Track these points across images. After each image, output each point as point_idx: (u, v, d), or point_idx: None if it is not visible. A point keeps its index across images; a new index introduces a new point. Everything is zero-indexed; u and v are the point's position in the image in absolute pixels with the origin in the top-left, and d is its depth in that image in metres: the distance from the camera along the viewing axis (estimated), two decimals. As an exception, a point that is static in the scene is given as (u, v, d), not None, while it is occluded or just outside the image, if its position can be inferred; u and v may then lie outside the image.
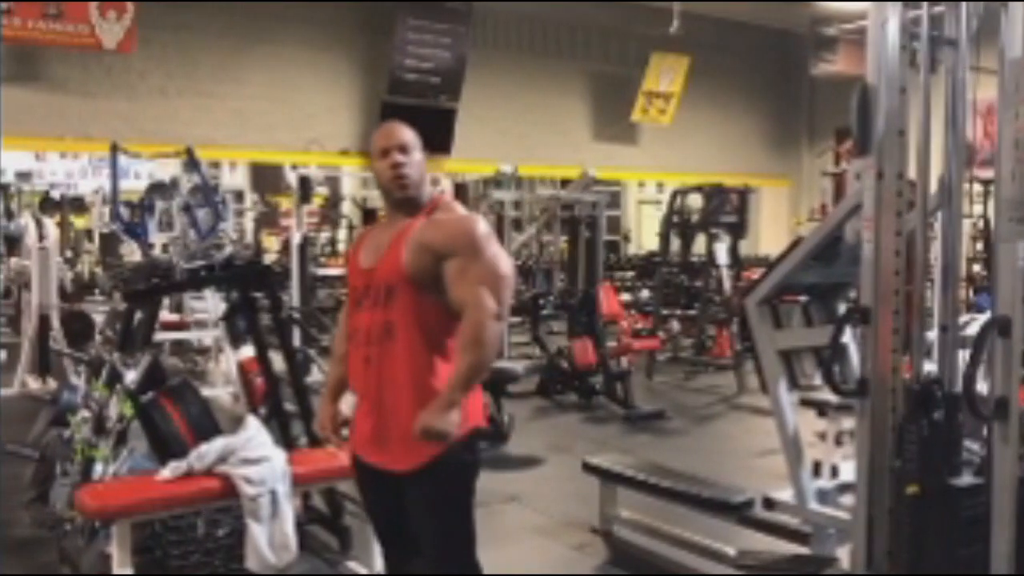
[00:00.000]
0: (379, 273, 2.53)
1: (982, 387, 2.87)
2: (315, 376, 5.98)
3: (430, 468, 2.47)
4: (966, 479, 2.83)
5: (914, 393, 2.87)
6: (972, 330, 3.19)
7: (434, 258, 2.46)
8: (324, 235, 14.64)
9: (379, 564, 2.95)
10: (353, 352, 2.58)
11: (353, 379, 2.60)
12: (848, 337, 3.52)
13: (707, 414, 7.58)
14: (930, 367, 3.06)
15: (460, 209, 2.62)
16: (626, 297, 11.01)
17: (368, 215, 13.64)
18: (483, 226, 2.52)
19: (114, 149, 8.34)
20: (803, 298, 3.76)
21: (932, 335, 3.21)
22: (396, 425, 2.46)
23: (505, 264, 2.48)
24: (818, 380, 3.58)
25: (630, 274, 13.35)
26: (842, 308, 3.71)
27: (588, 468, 4.35)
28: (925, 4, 2.93)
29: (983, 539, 2.77)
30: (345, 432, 2.71)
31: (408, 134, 2.61)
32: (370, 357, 2.51)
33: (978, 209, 10.11)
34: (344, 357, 2.64)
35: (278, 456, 3.37)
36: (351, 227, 13.45)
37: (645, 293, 11.42)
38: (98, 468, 3.63)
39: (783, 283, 3.52)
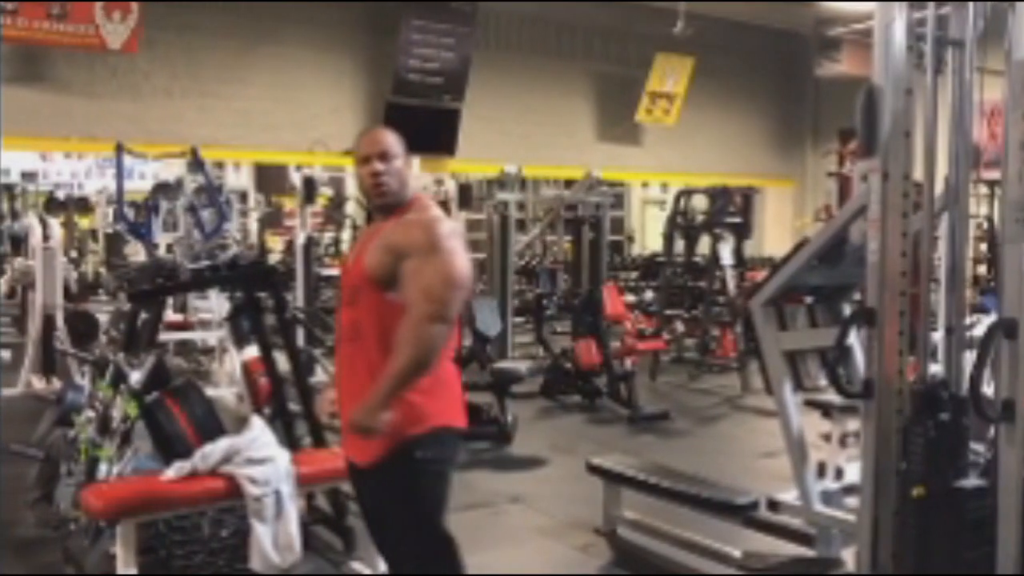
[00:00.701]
0: (352, 273, 2.65)
1: (988, 389, 2.86)
2: (319, 376, 5.98)
3: (382, 463, 2.54)
4: (972, 481, 2.82)
5: (920, 395, 2.86)
6: (978, 332, 3.18)
7: (395, 258, 2.52)
8: (328, 235, 14.64)
9: (383, 565, 2.95)
10: (336, 350, 2.71)
11: (336, 376, 2.73)
12: (853, 338, 3.51)
13: (711, 415, 7.57)
14: (935, 369, 3.05)
15: (434, 210, 2.66)
16: (630, 298, 10.99)
17: (372, 215, 13.63)
18: (446, 227, 2.56)
19: (119, 149, 8.36)
20: (808, 299, 3.75)
21: (937, 336, 3.21)
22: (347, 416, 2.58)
23: (459, 267, 2.50)
24: (823, 382, 3.57)
25: (634, 275, 13.34)
26: (847, 309, 3.71)
27: (592, 469, 4.35)
28: (932, 4, 2.92)
29: (989, 541, 2.76)
30: None
31: (389, 141, 2.67)
32: (344, 355, 2.64)
33: (983, 210, 10.09)
34: None
35: (282, 456, 3.37)
36: (355, 227, 13.45)
37: (649, 294, 11.40)
38: (103, 468, 3.63)
39: (788, 284, 3.51)
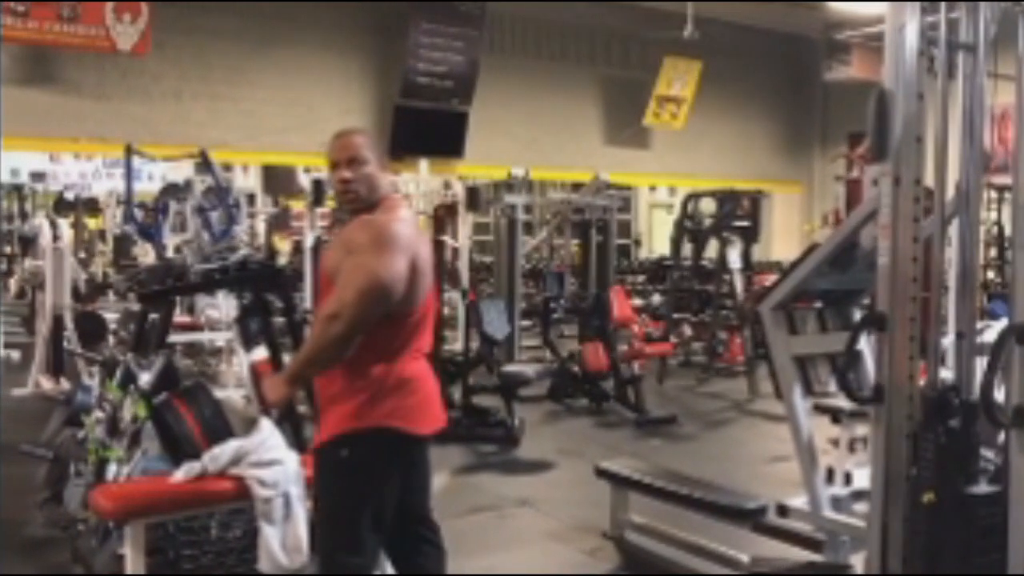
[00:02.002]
0: (320, 271, 2.75)
1: (999, 395, 2.85)
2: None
3: (317, 451, 2.71)
4: (983, 487, 2.80)
5: (930, 400, 2.85)
6: (988, 337, 3.17)
7: (346, 255, 2.57)
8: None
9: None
10: None
11: None
12: (863, 343, 3.50)
13: (719, 419, 7.56)
14: (946, 374, 3.04)
15: (396, 211, 2.67)
16: (637, 301, 10.99)
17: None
18: (392, 229, 2.57)
19: (128, 151, 8.39)
20: (818, 304, 3.74)
21: (947, 342, 3.19)
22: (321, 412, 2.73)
23: (384, 272, 2.49)
24: (833, 386, 3.56)
25: (641, 278, 13.34)
26: (857, 314, 3.69)
27: (600, 473, 4.34)
28: (943, 5, 2.91)
29: (999, 548, 2.76)
30: None
31: (357, 145, 2.69)
32: None
33: (991, 215, 10.06)
34: None
35: (291, 458, 3.37)
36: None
37: (656, 297, 11.40)
38: (112, 469, 3.63)
39: (799, 288, 3.50)
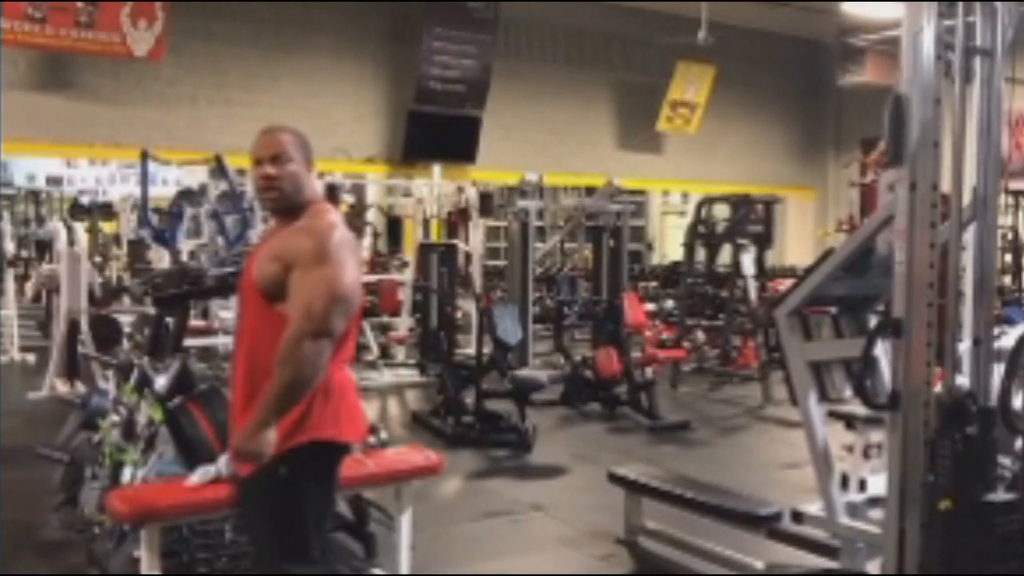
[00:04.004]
0: (244, 280, 2.57)
1: (1017, 401, 2.83)
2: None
3: (248, 478, 2.50)
4: (1000, 495, 2.79)
5: (947, 407, 2.83)
6: (1004, 343, 3.15)
7: (283, 268, 2.42)
8: (349, 242, 14.69)
9: (404, 571, 2.95)
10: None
11: (230, 383, 2.65)
12: (879, 350, 3.48)
13: (732, 425, 7.53)
14: (962, 380, 3.02)
15: (330, 216, 2.55)
16: (650, 307, 10.97)
17: (393, 222, 13.70)
18: (336, 237, 2.44)
19: (144, 156, 8.44)
20: (833, 310, 3.73)
21: (962, 348, 3.17)
22: (234, 431, 2.51)
23: (345, 281, 2.39)
24: (848, 392, 3.54)
25: (653, 284, 13.31)
26: (872, 320, 3.68)
27: (613, 478, 4.33)
28: (960, 8, 2.89)
29: (1017, 556, 2.73)
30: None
31: (283, 143, 2.60)
32: (238, 365, 2.55)
33: (1007, 221, 9.99)
34: None
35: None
36: (376, 235, 13.52)
37: (670, 303, 11.37)
38: (127, 472, 3.65)
39: (814, 294, 3.49)
